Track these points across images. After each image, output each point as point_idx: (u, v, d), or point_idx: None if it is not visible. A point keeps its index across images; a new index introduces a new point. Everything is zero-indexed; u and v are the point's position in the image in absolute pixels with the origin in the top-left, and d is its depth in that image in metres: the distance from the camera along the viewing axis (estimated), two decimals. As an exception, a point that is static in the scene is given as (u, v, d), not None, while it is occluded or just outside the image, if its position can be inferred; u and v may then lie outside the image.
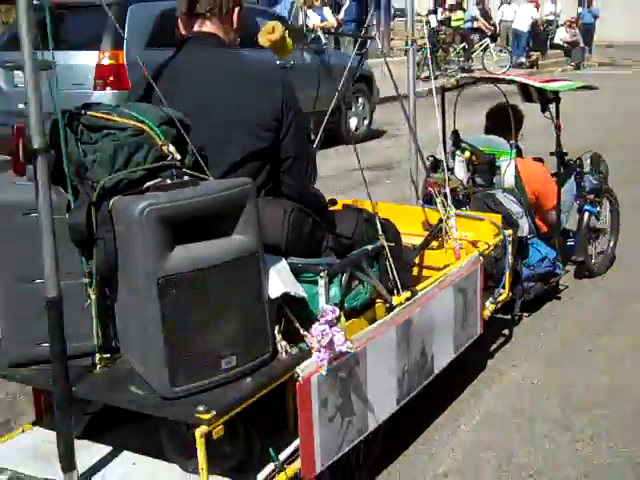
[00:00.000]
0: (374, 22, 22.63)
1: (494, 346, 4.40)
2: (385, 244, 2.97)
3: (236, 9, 2.82)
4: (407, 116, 4.07)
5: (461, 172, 4.72)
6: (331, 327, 2.48)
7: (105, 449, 2.58)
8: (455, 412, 3.69)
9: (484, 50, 20.43)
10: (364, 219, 3.05)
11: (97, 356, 2.47)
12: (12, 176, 2.33)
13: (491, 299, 3.99)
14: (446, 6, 23.40)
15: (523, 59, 20.82)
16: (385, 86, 13.33)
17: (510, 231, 4.17)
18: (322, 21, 16.13)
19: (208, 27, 2.77)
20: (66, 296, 2.20)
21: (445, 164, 4.25)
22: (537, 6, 22.76)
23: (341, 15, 17.04)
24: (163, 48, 7.99)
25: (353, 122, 10.71)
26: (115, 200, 2.24)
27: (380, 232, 3.00)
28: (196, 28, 2.77)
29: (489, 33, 20.99)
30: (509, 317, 4.60)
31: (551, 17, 23.29)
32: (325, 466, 2.57)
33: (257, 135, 2.66)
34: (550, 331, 4.66)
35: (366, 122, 11.00)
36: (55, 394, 2.24)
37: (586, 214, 5.28)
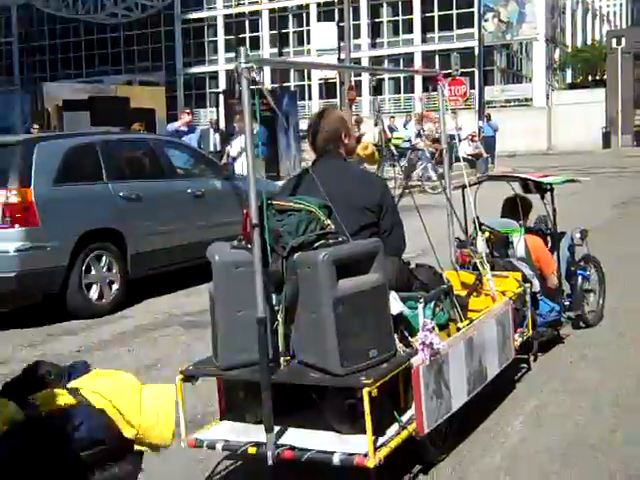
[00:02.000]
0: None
1: (519, 375, 5.60)
2: (452, 286, 4.54)
3: (349, 136, 4.40)
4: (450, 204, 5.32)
5: (482, 247, 5.72)
6: (430, 333, 3.90)
7: (283, 424, 3.86)
8: (499, 415, 4.87)
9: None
10: (433, 272, 4.57)
11: (282, 358, 3.80)
12: (227, 243, 3.99)
13: (518, 334, 5.31)
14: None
15: (432, 174, 21.42)
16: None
17: (528, 284, 5.63)
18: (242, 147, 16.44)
19: (331, 148, 4.32)
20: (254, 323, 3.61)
21: (478, 239, 5.68)
22: (435, 122, 23.74)
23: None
24: (72, 183, 8.11)
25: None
26: (299, 254, 3.69)
27: (446, 280, 4.55)
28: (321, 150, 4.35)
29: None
30: (526, 356, 5.74)
31: (453, 132, 24.29)
32: (430, 429, 3.88)
33: (366, 214, 4.18)
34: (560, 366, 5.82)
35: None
36: (262, 380, 3.64)
37: (579, 277, 6.58)
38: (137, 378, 2.88)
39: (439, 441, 4.19)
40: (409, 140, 22.65)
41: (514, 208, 6.37)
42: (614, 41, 41.10)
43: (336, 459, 3.58)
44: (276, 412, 3.70)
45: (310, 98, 51.07)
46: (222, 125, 21.76)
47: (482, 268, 5.19)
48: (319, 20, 47.15)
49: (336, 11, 44.61)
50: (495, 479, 4.00)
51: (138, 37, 57.06)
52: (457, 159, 24.51)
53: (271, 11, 53.19)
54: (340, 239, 3.75)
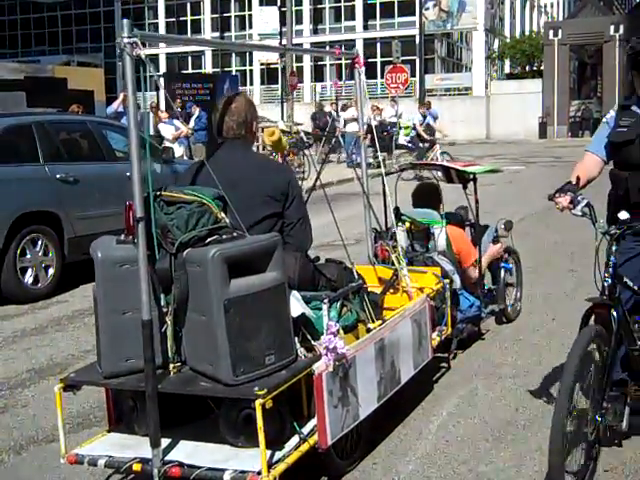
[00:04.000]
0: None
1: (437, 375, 5.43)
2: (363, 284, 4.24)
3: (254, 122, 4.13)
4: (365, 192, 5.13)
5: (402, 239, 5.66)
6: (335, 336, 3.62)
7: (174, 437, 3.62)
8: (415, 419, 4.72)
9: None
10: (343, 268, 4.30)
11: (171, 365, 3.54)
12: (113, 237, 3.61)
13: (437, 333, 5.15)
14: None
15: (370, 159, 21.64)
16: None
17: (448, 280, 5.42)
18: (177, 130, 16.29)
19: (235, 135, 4.06)
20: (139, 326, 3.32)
21: (396, 232, 5.38)
22: (375, 110, 23.88)
23: (191, 124, 17.23)
24: (6, 165, 7.95)
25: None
26: (189, 251, 3.41)
27: (357, 277, 4.25)
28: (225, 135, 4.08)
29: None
30: (446, 355, 5.59)
31: (393, 119, 24.48)
32: (333, 440, 3.63)
33: (270, 203, 3.88)
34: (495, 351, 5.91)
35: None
36: (147, 389, 3.33)
37: (502, 270, 6.48)
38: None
39: (347, 451, 3.95)
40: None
41: (427, 197, 6.16)
42: (551, 32, 41.79)
43: (227, 477, 3.29)
44: (166, 423, 3.45)
45: (252, 83, 50.81)
46: (163, 107, 21.52)
47: (397, 263, 5.01)
48: (261, 4, 46.83)
49: (278, -4, 44.49)
50: (430, 461, 4.11)
51: (77, 17, 55.91)
52: (397, 147, 24.85)
53: (213, -6, 52.69)
54: (235, 234, 3.44)
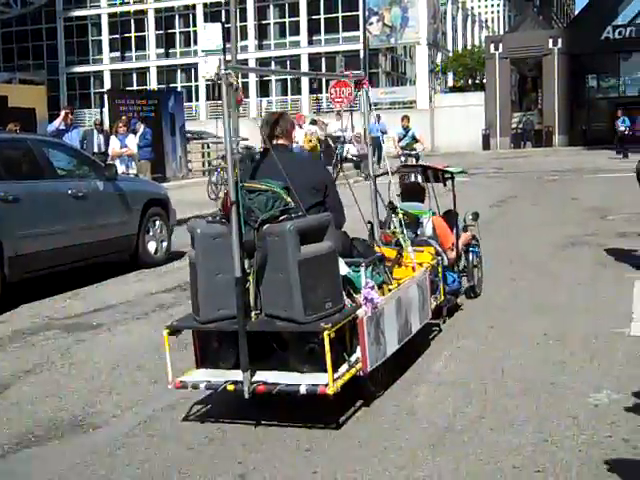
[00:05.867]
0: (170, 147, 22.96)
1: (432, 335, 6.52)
2: (383, 255, 5.54)
3: (293, 131, 5.39)
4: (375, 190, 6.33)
5: (397, 228, 6.55)
6: (372, 290, 4.83)
7: (254, 368, 4.63)
8: (440, 342, 6.25)
9: None
10: (367, 245, 5.64)
11: (252, 312, 4.66)
12: (202, 220, 5.07)
13: (433, 299, 6.28)
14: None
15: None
16: (182, 208, 13.45)
17: (440, 257, 6.65)
18: (122, 147, 16.16)
19: (282, 141, 5.22)
20: (229, 282, 4.51)
21: (395, 221, 6.50)
22: (317, 124, 24.02)
23: (136, 141, 17.12)
24: None
25: (152, 246, 10.59)
26: (268, 226, 4.58)
27: (379, 252, 5.59)
28: (274, 142, 5.18)
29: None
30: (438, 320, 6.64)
31: (339, 133, 24.65)
32: (372, 367, 4.76)
33: (314, 193, 5.05)
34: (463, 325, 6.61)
35: (165, 245, 10.91)
36: (239, 328, 4.49)
37: (471, 254, 7.70)
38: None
39: (376, 380, 5.04)
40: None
41: (412, 193, 7.38)
42: (492, 46, 42.58)
43: (302, 389, 4.47)
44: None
45: (197, 99, 50.70)
46: (107, 126, 21.35)
47: (404, 242, 6.19)
48: (206, 21, 46.82)
49: (223, 12, 44.56)
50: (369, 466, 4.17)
51: (18, 34, 55.20)
52: (344, 159, 25.01)
53: (157, 11, 52.52)
54: (300, 214, 4.63)
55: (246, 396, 4.54)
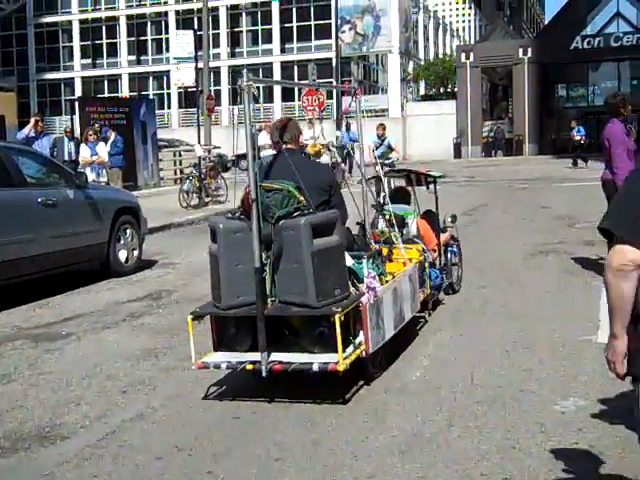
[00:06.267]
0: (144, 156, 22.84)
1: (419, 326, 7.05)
2: (380, 250, 6.16)
3: (300, 136, 5.95)
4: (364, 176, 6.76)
5: (384, 227, 7.10)
6: (374, 279, 5.47)
7: (269, 349, 5.19)
8: (412, 350, 6.42)
9: None
10: (365, 241, 6.25)
11: (269, 299, 5.21)
12: (221, 216, 6.23)
13: (421, 292, 6.81)
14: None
15: None
16: (153, 216, 13.38)
17: (427, 254, 7.20)
18: (92, 155, 16.04)
19: (291, 145, 5.69)
20: (248, 272, 5.11)
21: (380, 221, 7.22)
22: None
23: (107, 149, 17.02)
24: None
25: (123, 255, 10.53)
26: (284, 221, 5.12)
27: (377, 247, 6.21)
28: (284, 146, 5.64)
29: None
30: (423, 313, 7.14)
31: (310, 141, 24.70)
32: (374, 349, 5.36)
33: (321, 193, 5.52)
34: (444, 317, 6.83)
35: (136, 253, 10.85)
36: (258, 313, 5.06)
37: (450, 253, 8.28)
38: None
39: (376, 362, 5.61)
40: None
41: (400, 196, 8.09)
42: (463, 55, 42.95)
43: (315, 367, 5.04)
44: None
45: (169, 107, 50.53)
46: (77, 133, 21.21)
47: (396, 239, 6.77)
48: (178, 28, 46.68)
49: (195, 19, 44.48)
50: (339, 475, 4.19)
51: (-13, 40, 54.66)
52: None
53: (129, 17, 52.28)
54: (311, 210, 5.19)
55: (264, 374, 5.10)
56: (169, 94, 50.56)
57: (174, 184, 24.29)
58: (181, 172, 25.86)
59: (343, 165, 22.17)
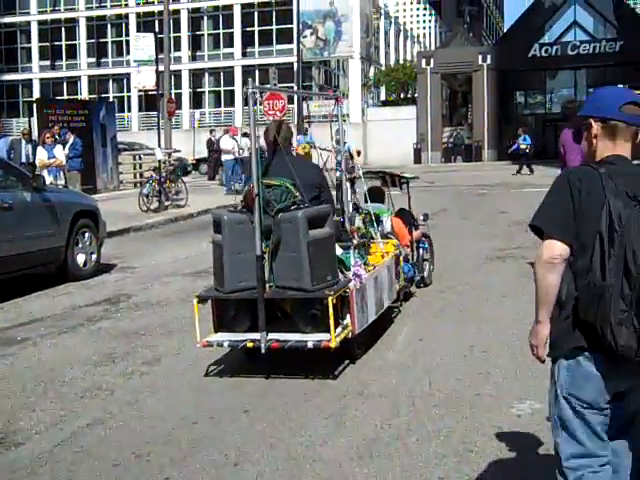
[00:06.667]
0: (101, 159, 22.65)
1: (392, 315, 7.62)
2: (365, 242, 6.91)
3: (291, 137, 6.61)
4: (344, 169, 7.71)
5: (361, 225, 7.49)
6: (360, 267, 6.17)
7: (267, 330, 5.78)
8: (369, 355, 6.47)
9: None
10: (348, 235, 6.72)
11: (267, 284, 5.74)
12: (225, 209, 7.03)
13: (396, 283, 7.46)
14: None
15: (238, 186, 20.94)
16: (113, 219, 13.25)
17: (399, 249, 7.88)
18: (49, 158, 15.84)
19: (285, 146, 6.18)
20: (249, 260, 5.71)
21: (356, 218, 7.47)
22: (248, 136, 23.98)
23: (66, 151, 16.83)
24: None
25: (81, 258, 10.40)
26: (282, 214, 5.74)
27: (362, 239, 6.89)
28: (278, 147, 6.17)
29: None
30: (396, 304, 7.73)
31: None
32: (359, 330, 5.97)
33: (312, 189, 6.10)
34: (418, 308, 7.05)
35: (94, 257, 10.74)
36: (259, 296, 5.66)
37: (421, 249, 8.96)
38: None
39: (359, 343, 6.20)
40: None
41: (376, 195, 8.64)
42: (424, 61, 43.21)
43: (310, 344, 5.66)
44: (257, 324, 5.70)
45: (130, 110, 50.11)
46: (35, 135, 20.91)
47: (374, 234, 7.42)
48: (139, 30, 46.32)
49: (156, 22, 44.16)
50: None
51: (-57, 41, 53.69)
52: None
53: (88, 19, 51.72)
54: (306, 205, 5.81)
55: (262, 351, 5.68)
56: (129, 97, 50.11)
57: (134, 188, 24.05)
58: (141, 175, 25.62)
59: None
